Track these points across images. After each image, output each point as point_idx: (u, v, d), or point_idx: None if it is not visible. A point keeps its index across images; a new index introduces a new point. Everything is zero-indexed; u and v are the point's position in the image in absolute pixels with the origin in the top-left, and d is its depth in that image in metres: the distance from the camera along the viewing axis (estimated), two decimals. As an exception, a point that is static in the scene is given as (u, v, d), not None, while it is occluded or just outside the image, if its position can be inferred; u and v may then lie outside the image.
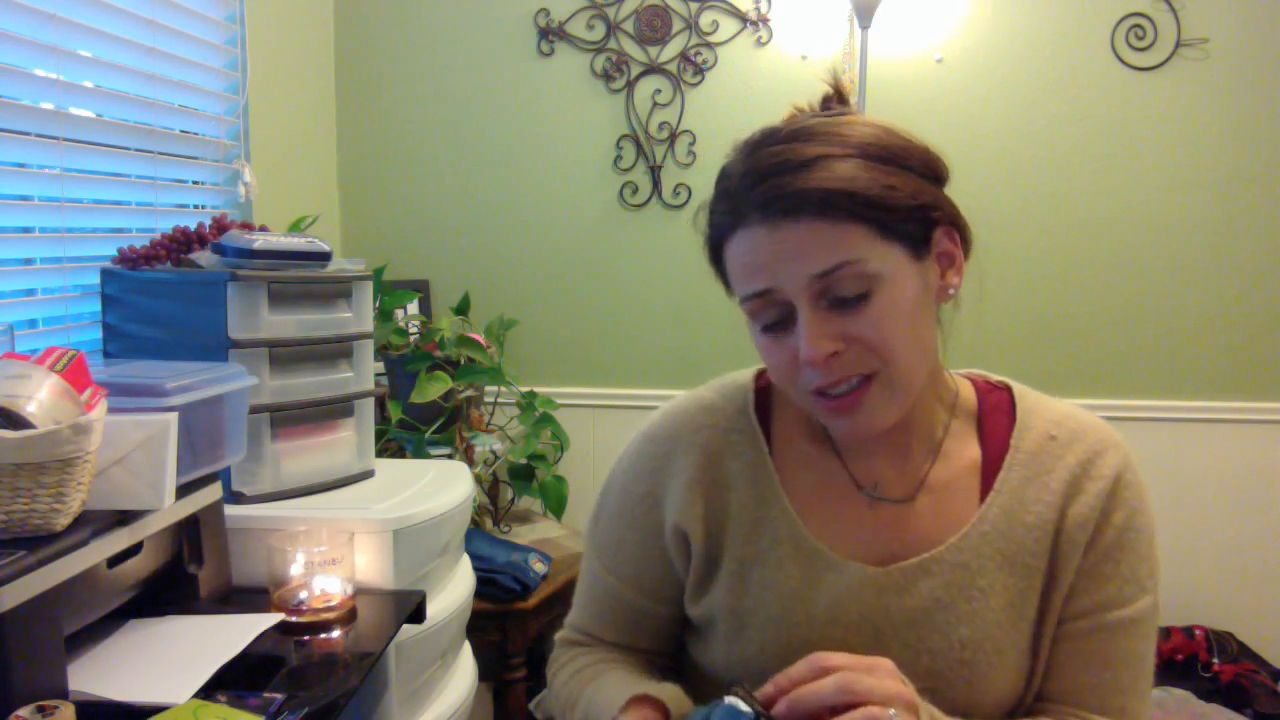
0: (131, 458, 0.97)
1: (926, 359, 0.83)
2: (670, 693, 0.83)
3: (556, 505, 2.08)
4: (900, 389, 0.80)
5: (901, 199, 0.77)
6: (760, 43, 2.33)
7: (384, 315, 2.03)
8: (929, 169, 0.81)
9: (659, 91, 2.37)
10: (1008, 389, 0.93)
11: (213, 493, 1.17)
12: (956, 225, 0.83)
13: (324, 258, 1.41)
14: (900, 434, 0.87)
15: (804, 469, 0.90)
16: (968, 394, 0.92)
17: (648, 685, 0.84)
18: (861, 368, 0.78)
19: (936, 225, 0.81)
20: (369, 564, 1.25)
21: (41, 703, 0.79)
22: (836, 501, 0.88)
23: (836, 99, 0.85)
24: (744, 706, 0.71)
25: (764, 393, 0.94)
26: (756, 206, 0.76)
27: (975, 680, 0.82)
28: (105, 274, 1.42)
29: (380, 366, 2.00)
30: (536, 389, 2.21)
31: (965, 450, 0.89)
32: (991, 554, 0.84)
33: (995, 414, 0.90)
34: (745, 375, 0.96)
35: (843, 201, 0.74)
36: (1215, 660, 2.06)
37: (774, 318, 0.79)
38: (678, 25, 2.35)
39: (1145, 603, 0.84)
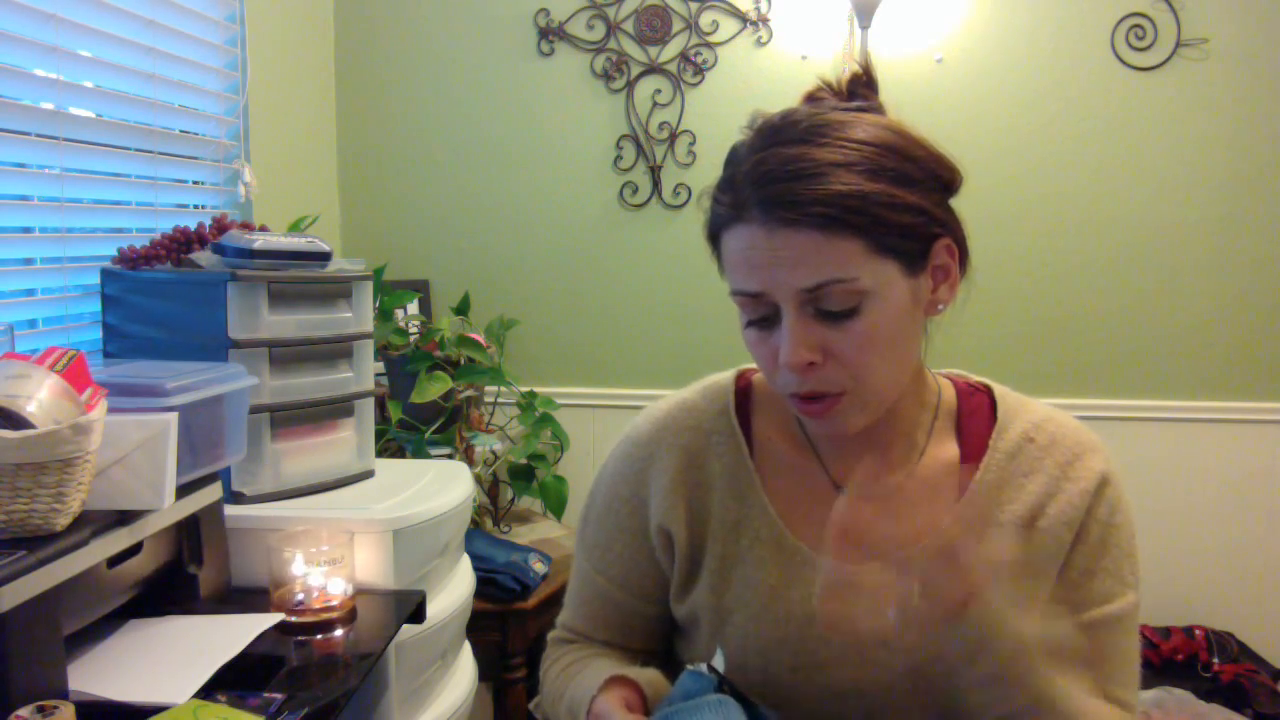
0: (131, 458, 0.98)
1: (905, 371, 0.85)
2: (648, 676, 0.85)
3: (556, 505, 2.08)
4: (873, 403, 0.81)
5: (904, 216, 0.77)
6: (760, 43, 2.33)
7: (384, 315, 2.03)
8: (938, 180, 0.81)
9: (659, 91, 2.37)
10: (988, 390, 0.93)
11: (213, 493, 1.17)
12: (958, 240, 0.83)
13: (324, 258, 1.42)
14: (879, 435, 0.88)
15: (784, 469, 0.91)
16: (949, 395, 0.93)
17: (627, 669, 0.86)
18: (835, 387, 0.79)
19: (937, 239, 0.81)
20: (369, 564, 1.25)
21: (41, 703, 0.79)
22: (815, 501, 0.89)
23: (865, 83, 0.85)
24: (704, 669, 0.75)
25: (744, 394, 0.96)
26: (759, 206, 0.76)
27: (954, 674, 0.82)
28: (105, 274, 1.42)
29: (380, 366, 2.00)
30: (536, 389, 2.21)
31: (944, 451, 0.90)
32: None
33: (975, 415, 0.91)
34: (726, 376, 0.97)
35: (845, 216, 0.74)
36: (1215, 660, 2.06)
37: (761, 314, 0.80)
38: (678, 25, 2.35)
39: (1130, 599, 0.85)
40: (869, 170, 0.76)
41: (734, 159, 0.82)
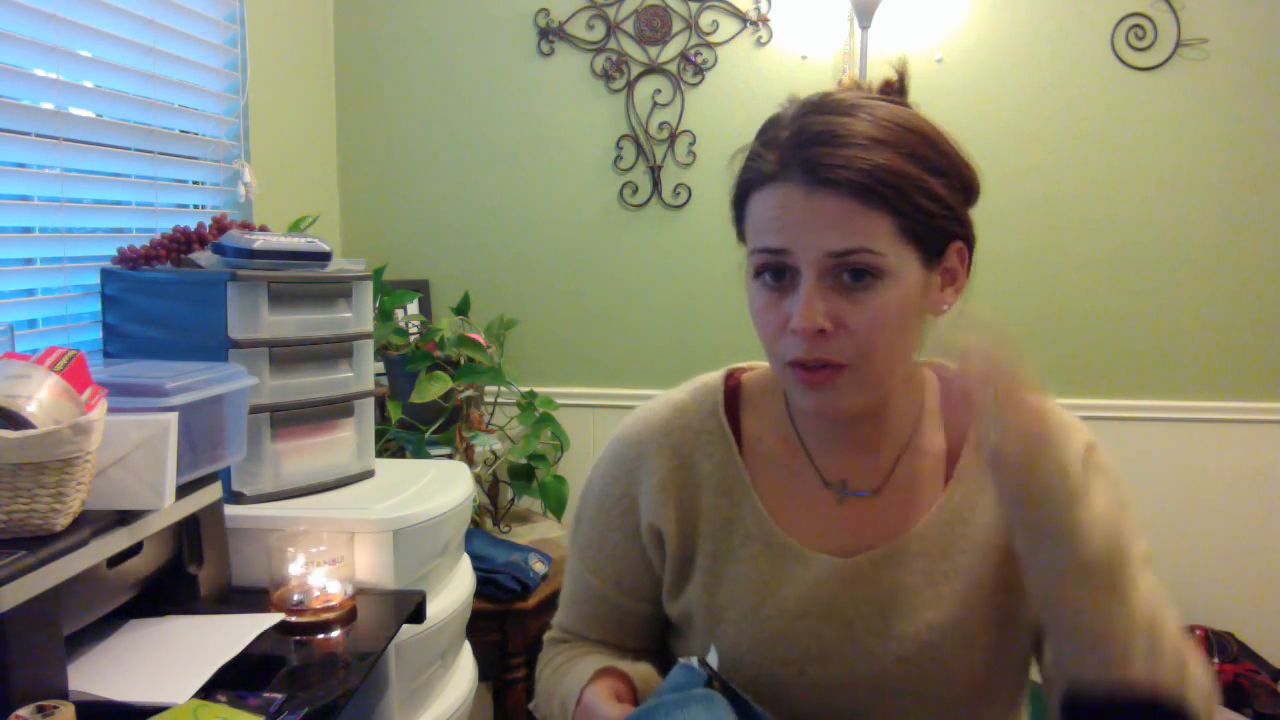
0: (131, 458, 0.98)
1: (903, 362, 0.85)
2: (639, 669, 0.86)
3: (556, 505, 2.08)
4: (871, 385, 0.82)
5: (933, 205, 0.79)
6: (760, 43, 2.33)
7: (384, 315, 2.03)
8: (965, 184, 0.83)
9: (659, 91, 2.37)
10: None
11: (213, 493, 1.17)
12: (969, 248, 0.85)
13: (324, 258, 1.42)
14: (869, 430, 0.89)
15: (773, 467, 0.92)
16: (933, 386, 0.94)
17: (618, 662, 0.87)
18: (840, 358, 0.79)
19: (953, 240, 0.83)
20: (369, 564, 1.25)
21: (41, 703, 0.79)
22: (805, 498, 0.90)
23: (898, 89, 0.86)
24: (695, 663, 0.76)
25: (734, 393, 0.96)
26: (800, 166, 0.77)
27: (944, 662, 0.84)
28: (105, 274, 1.42)
29: (380, 366, 2.00)
30: (536, 389, 2.21)
31: (932, 442, 0.91)
32: (954, 539, 0.86)
33: (959, 401, 0.91)
34: (716, 376, 0.98)
35: (883, 190, 0.76)
36: (1215, 660, 2.06)
37: (777, 274, 0.80)
38: (678, 25, 2.35)
39: (1144, 544, 0.84)
40: (907, 154, 0.78)
41: (775, 123, 0.82)
